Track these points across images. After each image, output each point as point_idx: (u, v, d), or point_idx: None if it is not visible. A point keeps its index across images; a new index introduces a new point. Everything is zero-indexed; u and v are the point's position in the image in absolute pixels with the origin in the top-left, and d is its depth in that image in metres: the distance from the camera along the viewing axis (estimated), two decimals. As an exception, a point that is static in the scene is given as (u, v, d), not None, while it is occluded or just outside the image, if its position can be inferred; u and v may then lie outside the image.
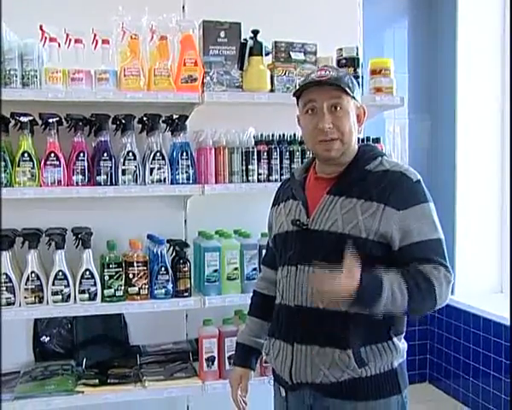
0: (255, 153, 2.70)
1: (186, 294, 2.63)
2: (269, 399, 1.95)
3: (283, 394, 1.81)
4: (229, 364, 2.61)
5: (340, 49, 2.79)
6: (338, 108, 1.70)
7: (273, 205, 1.95)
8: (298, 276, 1.73)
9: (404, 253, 1.66)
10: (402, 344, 1.75)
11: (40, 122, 2.50)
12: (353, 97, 1.72)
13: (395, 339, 1.71)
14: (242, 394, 1.98)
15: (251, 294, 2.66)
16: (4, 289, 2.42)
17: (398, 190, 1.67)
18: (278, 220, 1.85)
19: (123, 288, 2.55)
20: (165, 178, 2.59)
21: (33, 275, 2.45)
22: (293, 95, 1.79)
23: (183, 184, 2.61)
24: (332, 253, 1.64)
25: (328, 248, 1.67)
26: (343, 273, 1.51)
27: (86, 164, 2.51)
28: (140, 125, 2.65)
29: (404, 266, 1.65)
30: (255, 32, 2.63)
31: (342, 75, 1.73)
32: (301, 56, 2.72)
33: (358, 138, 1.83)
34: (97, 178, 2.52)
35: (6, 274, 2.42)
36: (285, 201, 1.86)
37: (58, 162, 2.46)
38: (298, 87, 1.77)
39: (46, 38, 2.45)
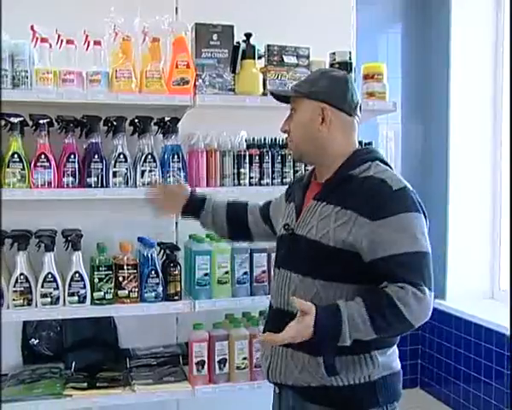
0: (247, 156, 2.70)
1: (176, 297, 2.61)
2: (268, 401, 1.94)
3: (277, 390, 1.84)
4: (220, 368, 2.61)
5: (333, 54, 2.79)
6: (294, 112, 1.79)
7: (286, 199, 1.98)
8: (279, 279, 1.78)
9: (374, 267, 1.61)
10: (385, 358, 1.70)
11: (31, 123, 2.48)
12: (316, 99, 1.73)
13: (375, 352, 1.67)
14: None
15: (241, 298, 2.65)
16: (-8, 291, 2.40)
17: (375, 199, 1.62)
18: (280, 222, 1.89)
19: (113, 291, 2.53)
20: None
21: (22, 277, 2.43)
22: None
23: (174, 186, 2.60)
24: (307, 259, 1.69)
25: (304, 254, 1.71)
26: (294, 326, 1.54)
27: (77, 166, 2.49)
28: (131, 128, 2.64)
29: (376, 280, 1.61)
30: (248, 36, 2.62)
31: (307, 78, 1.83)
32: (294, 60, 2.71)
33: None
34: (88, 180, 2.50)
35: (-6, 276, 2.40)
36: (290, 202, 1.90)
37: (48, 164, 2.45)
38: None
39: (37, 38, 2.44)
